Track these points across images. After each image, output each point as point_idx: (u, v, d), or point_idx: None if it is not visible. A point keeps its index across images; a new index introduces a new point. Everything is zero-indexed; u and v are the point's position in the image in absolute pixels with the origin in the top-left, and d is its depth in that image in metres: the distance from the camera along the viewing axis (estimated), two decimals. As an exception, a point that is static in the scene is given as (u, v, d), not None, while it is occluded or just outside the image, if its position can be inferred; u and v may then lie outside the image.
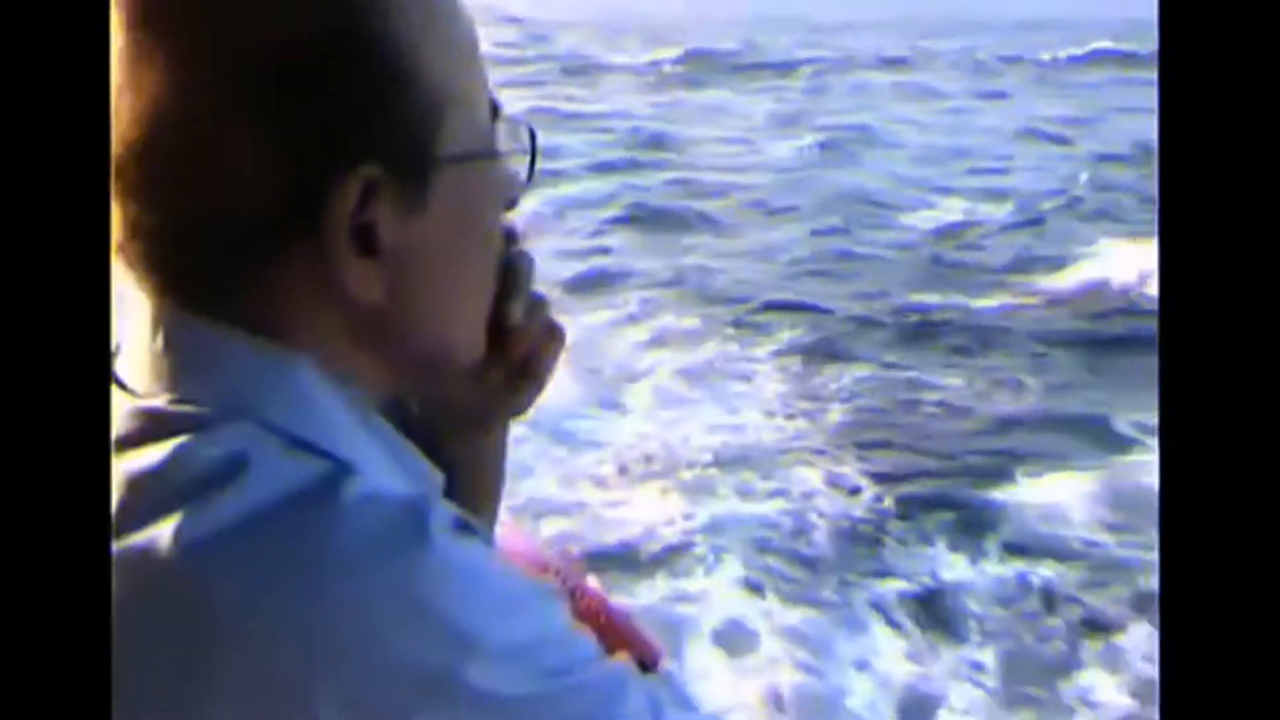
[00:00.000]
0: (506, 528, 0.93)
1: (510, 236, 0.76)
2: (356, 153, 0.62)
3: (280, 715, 0.56)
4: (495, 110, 0.71)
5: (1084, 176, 12.08)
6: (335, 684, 0.55)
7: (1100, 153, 13.40)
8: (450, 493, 0.74)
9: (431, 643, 0.57)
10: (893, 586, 4.51)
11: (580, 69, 21.68)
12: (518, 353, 0.79)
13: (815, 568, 4.64)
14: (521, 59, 21.50)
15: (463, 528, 0.62)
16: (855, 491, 5.28)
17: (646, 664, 0.71)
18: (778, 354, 7.03)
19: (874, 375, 6.71)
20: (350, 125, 0.62)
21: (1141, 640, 4.07)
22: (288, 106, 0.61)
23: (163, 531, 0.58)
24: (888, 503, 5.15)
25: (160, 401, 0.63)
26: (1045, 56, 23.58)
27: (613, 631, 0.90)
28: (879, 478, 5.37)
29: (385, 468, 0.66)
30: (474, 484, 0.82)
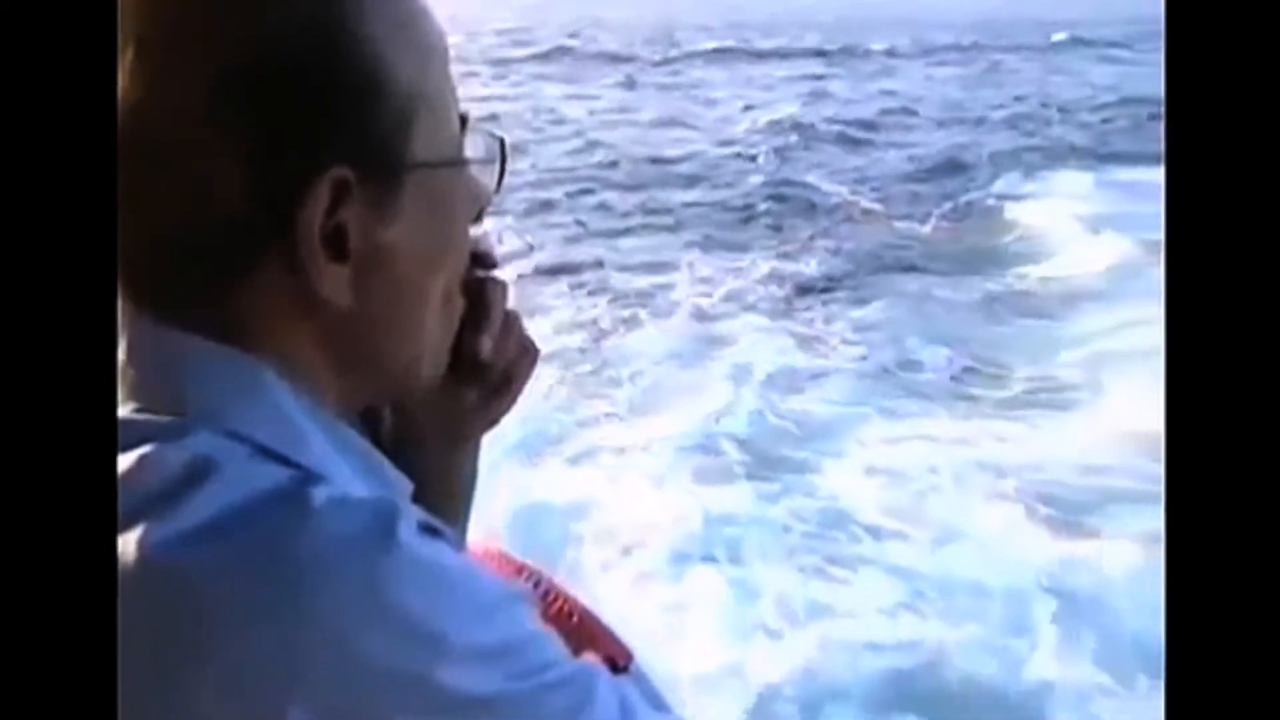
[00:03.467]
0: (478, 545, 0.93)
1: (483, 260, 0.77)
2: (327, 155, 0.62)
3: (253, 717, 0.56)
4: (464, 120, 0.71)
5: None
6: (306, 687, 0.55)
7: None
8: (421, 503, 0.73)
9: (401, 644, 0.57)
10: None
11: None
12: (491, 374, 0.80)
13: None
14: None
15: (430, 531, 0.62)
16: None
17: (617, 664, 0.73)
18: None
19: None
20: (321, 129, 0.62)
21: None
22: (259, 110, 0.61)
23: (130, 537, 0.58)
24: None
25: (125, 410, 0.63)
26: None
27: (583, 632, 0.90)
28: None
29: (353, 476, 0.66)
30: (445, 494, 0.82)
